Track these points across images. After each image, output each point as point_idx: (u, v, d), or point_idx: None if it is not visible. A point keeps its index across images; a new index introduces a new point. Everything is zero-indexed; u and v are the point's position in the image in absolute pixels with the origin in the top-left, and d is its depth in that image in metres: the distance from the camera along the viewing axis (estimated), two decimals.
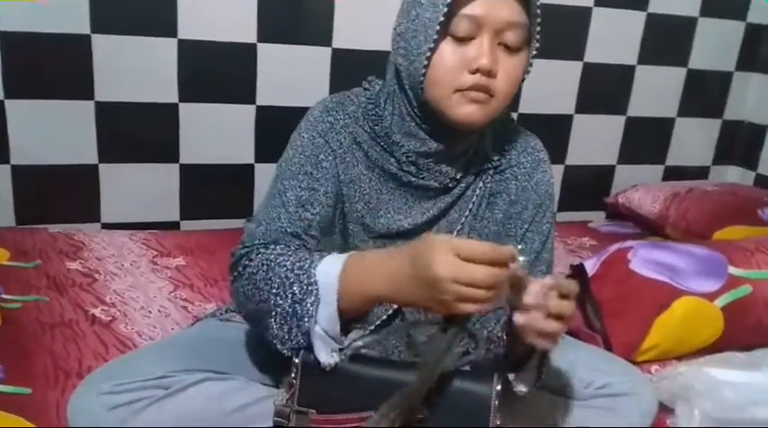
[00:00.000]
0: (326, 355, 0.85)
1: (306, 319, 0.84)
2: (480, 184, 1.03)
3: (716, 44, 2.28)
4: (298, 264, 0.86)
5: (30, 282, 1.40)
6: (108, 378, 0.94)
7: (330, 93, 1.81)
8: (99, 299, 1.37)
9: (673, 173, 2.38)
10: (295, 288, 0.85)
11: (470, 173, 1.02)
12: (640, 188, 2.18)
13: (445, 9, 0.86)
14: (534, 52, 0.94)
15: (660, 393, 1.17)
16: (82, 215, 1.76)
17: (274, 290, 0.86)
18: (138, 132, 1.74)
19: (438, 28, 0.88)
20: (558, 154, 2.18)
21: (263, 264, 0.89)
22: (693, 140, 2.39)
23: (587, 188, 2.29)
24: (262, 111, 1.82)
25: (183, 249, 1.64)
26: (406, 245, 0.81)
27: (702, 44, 2.25)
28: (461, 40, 0.89)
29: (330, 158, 0.97)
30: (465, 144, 0.99)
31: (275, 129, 1.83)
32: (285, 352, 0.87)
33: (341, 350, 0.86)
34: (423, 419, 0.85)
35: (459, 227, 1.02)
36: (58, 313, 1.30)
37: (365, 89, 1.03)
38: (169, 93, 1.73)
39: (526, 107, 2.06)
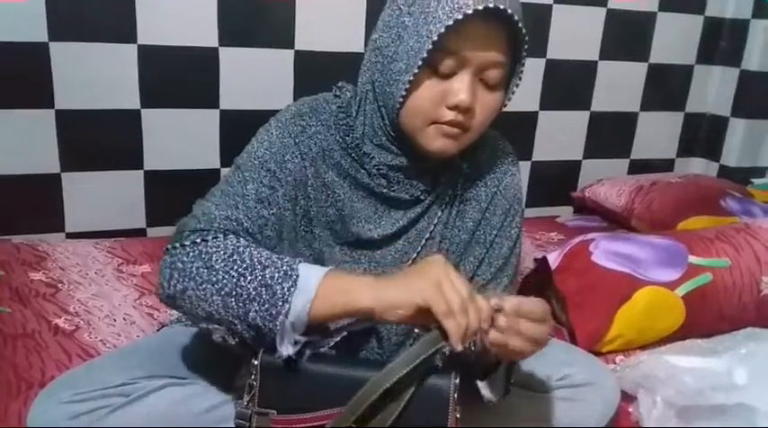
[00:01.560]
0: (285, 347, 0.82)
1: (280, 304, 0.79)
2: (450, 192, 1.02)
3: (676, 38, 2.32)
4: (274, 256, 0.84)
5: None
6: (68, 387, 0.93)
7: (294, 96, 1.86)
8: (62, 309, 1.36)
9: (638, 167, 2.41)
10: (268, 272, 0.81)
11: (440, 182, 1.01)
12: (606, 182, 2.21)
13: (430, 45, 0.84)
14: (514, 89, 0.94)
15: (623, 382, 1.19)
16: (46, 225, 1.74)
17: (238, 271, 0.82)
18: (100, 140, 1.72)
19: (419, 64, 0.86)
20: (524, 150, 2.20)
21: (226, 248, 0.84)
22: (657, 133, 2.43)
23: (554, 183, 2.31)
24: (226, 115, 1.82)
25: (149, 256, 1.63)
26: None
27: (662, 39, 2.28)
28: (442, 76, 0.88)
29: (297, 160, 0.95)
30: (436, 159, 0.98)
31: (240, 132, 1.78)
32: (229, 339, 0.84)
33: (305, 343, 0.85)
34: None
35: (427, 236, 1.01)
36: (21, 324, 1.29)
37: (336, 96, 1.00)
38: (131, 100, 1.72)
39: None
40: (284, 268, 0.82)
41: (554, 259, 1.43)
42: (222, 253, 0.84)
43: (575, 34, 2.15)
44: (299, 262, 0.84)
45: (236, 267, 0.83)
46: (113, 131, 1.73)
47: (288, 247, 0.97)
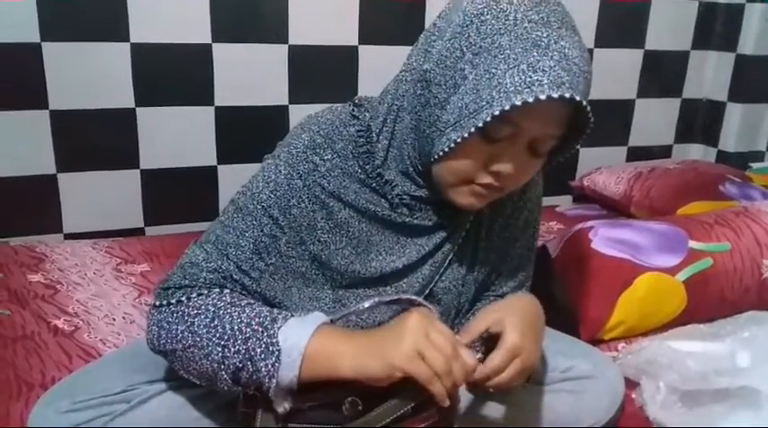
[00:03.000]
0: (281, 406, 0.81)
1: (267, 380, 0.78)
2: (476, 211, 0.95)
3: (671, 24, 2.31)
4: (256, 321, 0.80)
5: None
6: (67, 394, 0.92)
7: (289, 91, 1.85)
8: (61, 310, 1.36)
9: (636, 154, 2.40)
10: (250, 344, 0.79)
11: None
12: (604, 170, 2.20)
13: (488, 118, 0.75)
14: (561, 158, 0.88)
15: (625, 368, 1.19)
16: (43, 226, 1.74)
17: (222, 341, 0.80)
18: (95, 140, 1.72)
19: (469, 131, 0.77)
20: None
21: (208, 310, 0.83)
22: (654, 120, 2.42)
23: (553, 173, 2.25)
24: (221, 111, 1.81)
25: (148, 255, 1.63)
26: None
27: (657, 25, 2.28)
28: (492, 140, 0.80)
29: (304, 205, 0.88)
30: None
31: (236, 129, 1.83)
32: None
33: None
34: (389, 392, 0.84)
35: (450, 256, 0.96)
36: (20, 326, 1.28)
37: (353, 116, 0.92)
38: (125, 99, 1.71)
39: None
40: (265, 340, 0.78)
41: (554, 247, 1.43)
42: (203, 317, 0.82)
43: None
44: (281, 325, 0.80)
45: (218, 335, 0.81)
46: (108, 131, 1.72)
47: (302, 291, 0.92)
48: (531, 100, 0.73)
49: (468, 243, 0.98)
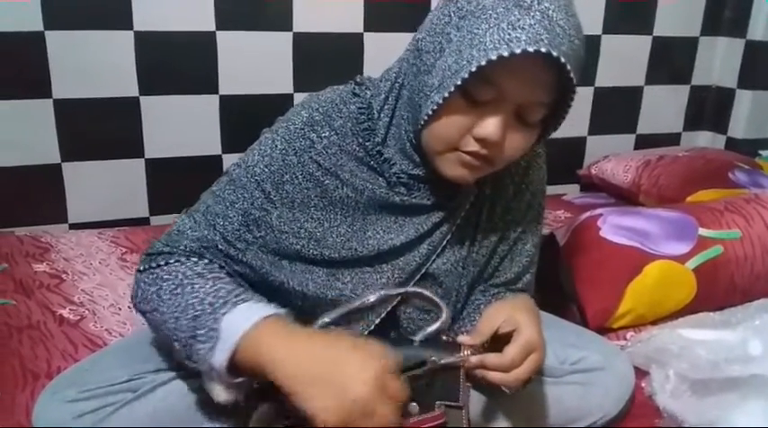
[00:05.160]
0: (219, 392, 0.81)
1: (201, 364, 0.80)
2: (476, 191, 0.95)
3: (679, 10, 2.28)
4: (210, 299, 0.81)
5: None
6: (73, 384, 0.91)
7: (294, 79, 1.83)
8: (67, 300, 1.35)
9: (644, 142, 2.38)
10: (197, 322, 0.80)
11: (464, 187, 0.93)
12: (612, 158, 2.19)
13: (465, 75, 0.75)
14: (552, 130, 0.85)
15: (634, 357, 1.18)
16: (49, 216, 1.73)
17: (177, 312, 0.82)
18: (99, 128, 1.71)
19: (453, 88, 0.77)
20: None
21: (176, 277, 0.85)
22: (663, 107, 2.40)
23: (560, 161, 2.26)
24: (225, 100, 1.80)
25: None
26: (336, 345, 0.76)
27: (666, 11, 2.24)
28: (476, 103, 0.79)
29: (298, 181, 0.89)
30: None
31: (241, 117, 1.82)
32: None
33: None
34: None
35: (449, 237, 0.95)
36: (26, 315, 1.28)
37: (355, 94, 0.92)
38: (129, 87, 1.70)
39: None
40: (209, 323, 0.79)
41: (562, 235, 1.42)
42: (170, 283, 0.85)
43: (577, 9, 2.10)
44: (229, 309, 0.80)
45: (175, 304, 0.83)
46: (113, 120, 1.71)
47: (295, 264, 0.92)
48: (506, 54, 0.73)
49: (468, 225, 0.97)
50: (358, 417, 0.71)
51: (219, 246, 0.89)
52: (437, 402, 0.84)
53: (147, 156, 1.77)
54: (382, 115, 0.90)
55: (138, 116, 1.73)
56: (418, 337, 0.87)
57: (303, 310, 0.92)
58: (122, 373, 0.92)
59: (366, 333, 0.94)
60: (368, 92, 0.92)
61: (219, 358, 0.77)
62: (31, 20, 1.57)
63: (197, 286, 0.83)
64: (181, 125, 1.78)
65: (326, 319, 0.88)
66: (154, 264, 0.89)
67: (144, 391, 0.91)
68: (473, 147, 0.81)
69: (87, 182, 1.73)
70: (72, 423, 0.88)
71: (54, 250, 1.57)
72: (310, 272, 0.92)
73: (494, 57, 0.73)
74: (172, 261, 0.88)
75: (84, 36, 1.62)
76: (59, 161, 1.69)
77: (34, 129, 1.65)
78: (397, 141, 0.89)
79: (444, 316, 0.87)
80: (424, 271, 0.95)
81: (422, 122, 0.82)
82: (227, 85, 1.79)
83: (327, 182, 0.89)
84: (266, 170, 0.89)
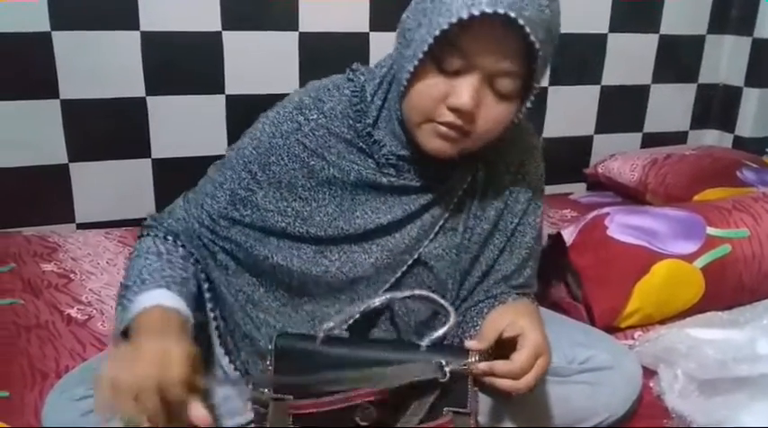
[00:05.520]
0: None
1: (115, 333, 0.88)
2: (469, 179, 0.96)
3: (686, 8, 2.27)
4: (145, 275, 0.89)
5: (4, 286, 1.39)
6: (81, 382, 0.92)
7: (300, 79, 1.83)
8: (75, 299, 1.36)
9: (651, 140, 2.37)
10: (126, 291, 0.89)
11: (458, 169, 0.95)
12: (619, 157, 2.18)
13: (432, 39, 0.78)
14: (529, 104, 0.86)
15: (642, 356, 1.18)
16: (56, 216, 1.74)
17: (125, 277, 0.92)
18: (106, 129, 1.71)
19: (422, 56, 0.79)
20: (535, 127, 2.14)
21: (141, 248, 0.94)
22: (670, 106, 2.39)
23: (566, 160, 2.28)
24: (232, 100, 1.80)
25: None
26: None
27: (673, 9, 2.24)
28: (448, 73, 0.81)
29: (283, 163, 0.92)
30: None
31: (247, 118, 1.78)
32: None
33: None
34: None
35: (441, 223, 0.96)
36: (34, 315, 1.29)
37: (349, 79, 0.95)
38: (136, 87, 1.70)
39: None
40: (129, 295, 0.88)
41: (569, 235, 1.41)
42: (136, 252, 0.95)
43: (584, 7, 2.11)
44: (143, 290, 0.87)
45: (128, 269, 0.93)
46: (119, 120, 1.72)
47: (282, 241, 0.94)
48: (465, 16, 0.75)
49: (461, 212, 0.97)
50: (122, 395, 0.72)
51: (206, 223, 0.95)
52: (445, 408, 0.84)
53: (153, 156, 1.78)
54: (375, 98, 0.92)
55: (145, 116, 1.73)
56: (425, 342, 0.86)
57: (291, 287, 0.95)
58: None
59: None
60: (362, 77, 0.95)
61: (117, 325, 0.87)
62: (38, 20, 1.58)
63: (148, 261, 0.92)
64: (187, 125, 1.78)
65: (332, 323, 0.88)
66: (141, 234, 0.99)
67: None
68: (448, 117, 0.83)
69: (94, 182, 1.74)
70: (80, 421, 0.88)
71: (62, 250, 1.57)
72: (297, 249, 0.94)
73: (455, 20, 0.76)
74: (151, 234, 0.96)
75: (91, 36, 1.63)
76: (66, 161, 1.70)
77: (41, 129, 1.66)
78: (388, 123, 0.91)
79: (452, 320, 0.87)
80: (416, 256, 0.95)
81: (400, 93, 0.85)
82: (234, 85, 1.79)
83: (313, 163, 0.92)
84: (254, 152, 0.93)
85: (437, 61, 0.81)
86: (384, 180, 0.92)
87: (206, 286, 0.97)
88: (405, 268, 0.95)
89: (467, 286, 1.00)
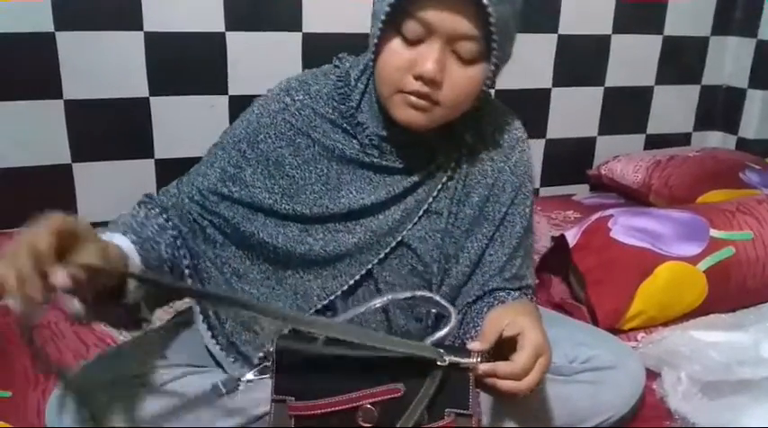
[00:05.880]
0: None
1: None
2: (453, 165, 0.98)
3: (690, 10, 2.27)
4: (120, 221, 0.94)
5: None
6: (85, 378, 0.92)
7: None
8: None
9: (654, 142, 2.37)
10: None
11: (440, 154, 0.98)
12: (622, 158, 2.18)
13: (387, 8, 0.82)
14: (493, 67, 0.87)
15: (646, 359, 1.17)
16: None
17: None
18: (110, 129, 1.72)
19: (381, 25, 0.83)
20: (538, 128, 2.17)
21: (129, 212, 0.97)
22: (673, 107, 2.39)
23: (569, 161, 2.28)
24: (235, 100, 1.80)
25: None
26: None
27: (676, 10, 2.24)
28: (411, 42, 0.85)
29: (270, 141, 0.95)
30: (432, 128, 0.94)
31: None
32: None
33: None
34: (403, 397, 0.84)
35: (425, 207, 0.98)
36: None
37: (335, 66, 1.00)
38: (139, 88, 1.70)
39: (503, 83, 2.05)
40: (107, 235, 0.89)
41: (572, 236, 1.41)
42: (123, 214, 0.97)
43: (586, 9, 2.11)
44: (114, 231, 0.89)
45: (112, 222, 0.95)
46: (123, 120, 1.72)
47: (270, 219, 0.97)
48: None
49: (446, 196, 0.99)
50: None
51: (195, 198, 0.97)
52: (446, 409, 0.84)
53: (156, 157, 1.78)
54: (359, 83, 0.96)
55: (148, 116, 1.74)
56: (427, 343, 0.86)
57: (276, 262, 0.98)
58: (135, 367, 0.93)
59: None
60: (347, 64, 0.99)
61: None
62: (42, 21, 1.58)
63: (127, 217, 0.95)
64: (190, 125, 1.78)
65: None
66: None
67: (155, 385, 0.92)
68: (414, 85, 0.85)
69: (97, 182, 1.74)
70: (85, 415, 0.88)
71: None
72: (283, 227, 0.97)
73: None
74: (141, 207, 0.98)
75: (95, 37, 1.63)
76: (70, 161, 1.70)
77: (45, 129, 1.66)
78: (371, 107, 0.95)
79: (453, 321, 0.86)
80: (399, 239, 0.97)
81: (371, 68, 0.89)
82: (237, 86, 1.79)
83: (299, 140, 0.95)
84: (243, 132, 0.97)
85: (400, 32, 0.84)
86: (367, 159, 0.95)
87: (185, 262, 0.97)
88: (388, 250, 0.97)
89: (455, 274, 1.01)
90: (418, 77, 0.84)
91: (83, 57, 1.63)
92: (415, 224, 0.98)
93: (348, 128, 0.95)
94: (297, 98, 0.96)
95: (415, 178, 0.97)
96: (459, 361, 0.82)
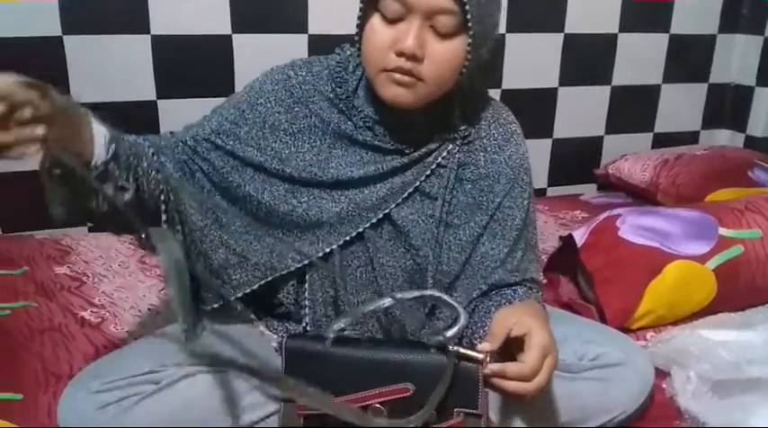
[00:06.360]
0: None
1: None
2: (445, 154, 1.01)
3: (697, 8, 2.26)
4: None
5: (18, 289, 1.40)
6: (96, 376, 0.93)
7: None
8: (88, 302, 1.37)
9: (662, 141, 2.36)
10: None
11: (433, 140, 1.00)
12: (629, 157, 2.17)
13: None
14: (470, 39, 0.89)
15: (655, 358, 1.17)
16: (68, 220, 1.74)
17: None
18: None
19: (362, 5, 0.90)
20: (544, 128, 2.17)
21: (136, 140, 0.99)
22: (681, 106, 2.38)
23: (577, 161, 2.28)
24: None
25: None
26: None
27: (683, 8, 2.23)
28: (391, 21, 0.88)
29: (269, 104, 1.00)
30: (424, 114, 0.97)
31: None
32: None
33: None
34: (412, 396, 0.84)
35: (411, 190, 1.00)
36: (47, 318, 1.29)
37: (337, 53, 1.04)
38: (146, 91, 1.71)
39: (509, 83, 2.05)
40: None
41: (580, 236, 1.41)
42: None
43: (593, 7, 2.10)
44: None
45: None
46: (130, 123, 1.70)
47: (259, 175, 1.00)
48: None
49: (439, 183, 1.01)
50: None
51: (189, 143, 1.00)
52: (456, 409, 0.84)
53: None
54: (357, 70, 0.99)
55: (156, 119, 1.74)
56: (435, 342, 0.86)
57: (257, 218, 1.01)
58: (145, 365, 0.94)
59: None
60: (348, 52, 1.03)
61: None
62: (50, 25, 1.59)
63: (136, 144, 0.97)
64: None
65: (341, 324, 0.88)
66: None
67: (167, 383, 0.93)
68: (397, 62, 0.89)
69: None
70: (95, 414, 0.89)
71: (74, 253, 1.58)
72: (270, 184, 1.00)
73: None
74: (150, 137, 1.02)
75: (102, 40, 1.64)
76: None
77: None
78: (366, 92, 0.99)
79: (462, 320, 0.86)
80: (381, 216, 1.00)
81: (358, 50, 0.93)
82: None
83: (297, 109, 1.00)
84: (245, 95, 1.02)
85: (380, 12, 0.89)
86: (360, 137, 0.99)
87: (164, 198, 0.97)
88: (368, 225, 0.99)
89: (446, 260, 1.01)
90: (400, 54, 0.88)
91: (90, 60, 1.64)
92: (405, 204, 1.01)
93: (344, 109, 0.99)
94: (300, 73, 1.01)
95: (405, 160, 1.00)
96: (468, 353, 0.83)
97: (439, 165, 1.01)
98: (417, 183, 1.01)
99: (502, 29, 2.00)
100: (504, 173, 1.03)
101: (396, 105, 0.93)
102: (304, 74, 1.01)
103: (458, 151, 1.01)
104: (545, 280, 1.49)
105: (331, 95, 1.00)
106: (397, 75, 0.89)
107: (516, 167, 1.04)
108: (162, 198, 0.95)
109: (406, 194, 1.00)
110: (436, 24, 0.88)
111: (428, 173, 1.01)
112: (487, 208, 1.03)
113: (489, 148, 1.03)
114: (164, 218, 0.96)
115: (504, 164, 1.03)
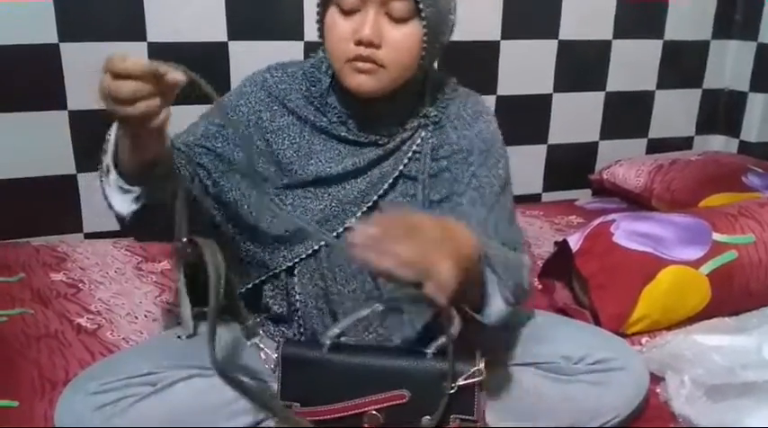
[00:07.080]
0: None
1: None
2: (419, 140, 1.03)
3: (690, 14, 2.28)
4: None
5: (14, 296, 1.40)
6: (93, 378, 0.94)
7: None
8: (84, 309, 1.37)
9: (656, 146, 2.38)
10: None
11: (406, 129, 1.03)
12: (624, 163, 2.18)
13: None
14: (425, 22, 0.92)
15: (649, 363, 1.17)
16: (64, 226, 1.75)
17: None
18: None
19: (320, 1, 0.95)
20: (539, 134, 2.17)
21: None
22: (675, 112, 2.39)
23: (571, 166, 2.29)
24: None
25: (168, 253, 1.63)
26: None
27: (677, 14, 2.25)
28: (348, 13, 0.93)
29: (251, 104, 1.04)
30: (395, 104, 1.01)
31: None
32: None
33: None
34: (408, 403, 0.85)
35: (390, 181, 1.02)
36: (43, 324, 1.29)
37: (311, 56, 1.08)
38: None
39: (504, 89, 2.06)
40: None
41: (575, 241, 1.41)
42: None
43: (587, 14, 2.12)
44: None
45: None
46: None
47: (245, 180, 1.02)
48: None
49: (415, 168, 1.03)
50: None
51: (182, 149, 1.02)
52: (452, 416, 0.85)
53: None
54: (329, 70, 1.02)
55: None
56: (431, 349, 0.87)
57: (248, 222, 1.03)
58: (142, 367, 0.94)
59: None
60: (321, 53, 1.05)
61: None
62: (46, 32, 1.59)
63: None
64: None
65: (336, 330, 0.89)
66: None
67: (163, 385, 0.93)
68: (356, 51, 0.92)
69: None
70: (92, 415, 0.90)
71: (70, 259, 1.58)
72: (256, 188, 1.03)
73: None
74: None
75: (99, 47, 1.64)
76: (75, 172, 1.71)
77: (49, 139, 1.67)
78: (338, 91, 1.02)
79: (456, 324, 0.87)
80: (365, 208, 1.02)
81: (321, 42, 0.98)
82: None
83: (275, 107, 1.04)
84: (228, 99, 1.06)
85: (338, 6, 0.93)
86: (335, 132, 1.02)
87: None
88: (353, 218, 1.01)
89: None
90: (358, 43, 0.92)
91: (87, 67, 1.63)
92: (388, 193, 1.03)
93: (319, 106, 1.03)
94: (275, 74, 1.06)
95: (380, 151, 1.02)
96: (466, 383, 0.83)
97: (414, 152, 1.04)
98: (396, 173, 1.03)
99: (497, 35, 2.02)
100: (477, 146, 1.05)
101: (361, 93, 0.96)
102: (279, 75, 1.05)
103: (431, 136, 1.04)
104: (540, 286, 1.50)
105: (306, 94, 1.03)
106: (359, 64, 0.93)
107: (487, 140, 1.06)
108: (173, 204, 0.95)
109: (386, 185, 1.03)
110: (391, 11, 0.92)
111: (405, 161, 1.03)
112: (462, 177, 1.04)
113: (459, 127, 1.06)
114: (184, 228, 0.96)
115: (476, 138, 1.06)
